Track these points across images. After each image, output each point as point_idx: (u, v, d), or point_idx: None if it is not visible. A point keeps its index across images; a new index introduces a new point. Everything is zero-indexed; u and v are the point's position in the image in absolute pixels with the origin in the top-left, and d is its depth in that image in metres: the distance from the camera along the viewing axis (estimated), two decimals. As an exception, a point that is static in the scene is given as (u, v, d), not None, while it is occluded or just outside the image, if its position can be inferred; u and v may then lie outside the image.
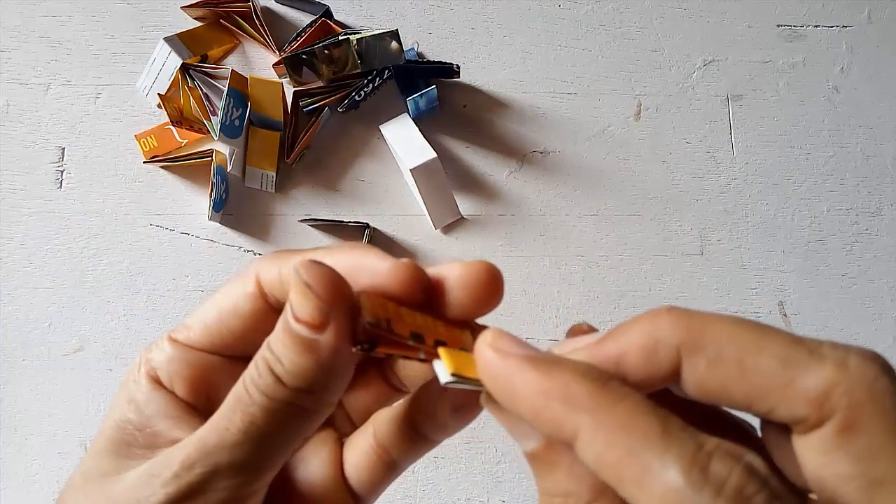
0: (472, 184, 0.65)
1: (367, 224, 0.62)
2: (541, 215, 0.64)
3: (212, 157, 0.60)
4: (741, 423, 0.20)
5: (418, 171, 0.58)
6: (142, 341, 0.60)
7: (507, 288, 0.20)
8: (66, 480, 0.20)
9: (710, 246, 0.64)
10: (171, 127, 0.62)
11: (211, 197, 0.60)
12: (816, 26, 0.70)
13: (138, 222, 0.63)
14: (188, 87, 0.62)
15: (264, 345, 0.18)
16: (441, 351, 0.18)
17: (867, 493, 0.15)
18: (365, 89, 0.63)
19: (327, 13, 0.65)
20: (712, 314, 0.17)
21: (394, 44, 0.60)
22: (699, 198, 0.65)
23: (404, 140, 0.59)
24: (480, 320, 0.20)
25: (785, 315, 0.63)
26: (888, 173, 0.67)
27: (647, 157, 0.66)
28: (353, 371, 0.19)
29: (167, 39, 0.62)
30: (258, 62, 0.67)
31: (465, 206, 0.64)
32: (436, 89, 0.61)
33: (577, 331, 0.20)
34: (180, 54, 0.62)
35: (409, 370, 0.23)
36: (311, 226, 0.63)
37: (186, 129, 0.61)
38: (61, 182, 0.63)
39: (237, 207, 0.63)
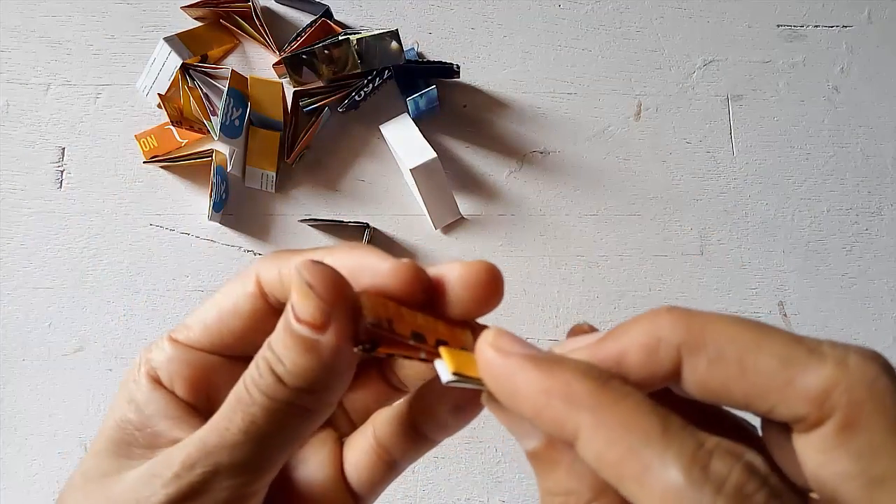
0: (472, 184, 0.65)
1: (367, 224, 0.62)
2: (541, 215, 0.64)
3: (212, 157, 0.60)
4: (741, 422, 0.20)
5: (418, 171, 0.58)
6: (142, 341, 0.60)
7: (507, 288, 0.20)
8: (66, 480, 0.20)
9: (710, 246, 0.64)
10: (171, 127, 0.62)
11: (211, 197, 0.60)
12: (816, 26, 0.70)
13: (138, 222, 0.63)
14: (188, 87, 0.62)
15: (265, 345, 0.18)
16: (442, 350, 0.18)
17: (868, 492, 0.15)
18: (365, 89, 0.63)
19: (327, 13, 0.65)
20: (713, 314, 0.17)
21: (394, 44, 0.60)
22: (699, 198, 0.65)
23: (404, 140, 0.59)
24: (481, 320, 0.20)
25: (785, 315, 0.63)
26: (888, 173, 0.67)
27: (647, 157, 0.66)
28: (354, 371, 0.19)
29: (167, 39, 0.62)
30: (258, 62, 0.67)
31: (465, 206, 0.64)
32: (436, 89, 0.61)
33: (578, 331, 0.20)
34: (180, 54, 0.62)
35: (409, 370, 0.23)
36: (311, 226, 0.63)
37: (186, 129, 0.61)
38: (61, 182, 0.63)
39: (237, 207, 0.63)
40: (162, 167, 0.63)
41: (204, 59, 0.64)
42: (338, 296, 0.17)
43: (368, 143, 0.65)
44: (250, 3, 0.63)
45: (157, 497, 0.18)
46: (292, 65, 0.60)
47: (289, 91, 0.64)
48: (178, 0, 0.64)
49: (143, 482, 0.18)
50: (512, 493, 0.58)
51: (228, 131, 0.60)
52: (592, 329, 0.20)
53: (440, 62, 0.64)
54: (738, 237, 0.65)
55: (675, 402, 0.17)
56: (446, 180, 0.60)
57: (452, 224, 0.64)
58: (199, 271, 0.62)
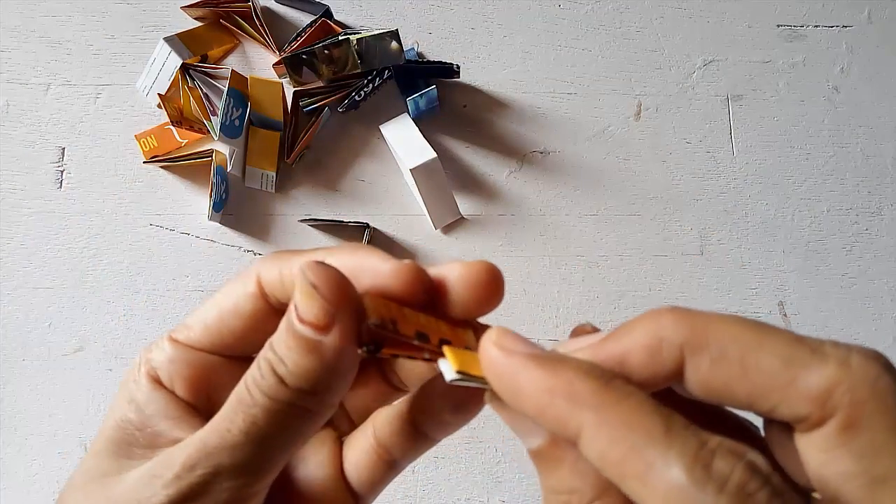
0: (472, 184, 0.65)
1: (367, 224, 0.62)
2: (541, 215, 0.64)
3: (212, 157, 0.60)
4: (744, 421, 0.20)
5: (418, 171, 0.58)
6: (142, 341, 0.60)
7: (507, 288, 0.20)
8: (66, 480, 0.20)
9: (710, 246, 0.64)
10: (171, 127, 0.62)
11: (211, 197, 0.60)
12: (816, 26, 0.70)
13: (138, 222, 0.63)
14: (188, 87, 0.62)
15: (266, 345, 0.18)
16: (446, 349, 0.18)
17: (870, 491, 0.15)
18: (365, 89, 0.63)
19: (327, 13, 0.65)
20: (715, 314, 0.17)
21: (394, 44, 0.60)
22: (699, 198, 0.65)
23: (404, 140, 0.59)
24: (482, 320, 0.20)
25: (785, 315, 0.63)
26: (888, 173, 0.67)
27: (647, 157, 0.66)
28: (356, 372, 0.19)
29: (167, 39, 0.62)
30: (258, 62, 0.67)
31: (465, 206, 0.64)
32: (436, 89, 0.61)
33: (580, 331, 0.20)
34: (180, 54, 0.62)
35: (409, 369, 0.23)
36: (311, 226, 0.63)
37: (186, 129, 0.61)
38: (61, 182, 0.63)
39: (237, 207, 0.63)
40: (162, 167, 0.63)
41: (204, 59, 0.64)
42: (342, 297, 0.17)
43: (368, 143, 0.65)
44: (250, 3, 0.63)
45: (158, 498, 0.18)
46: (292, 65, 0.60)
47: (289, 91, 0.64)
48: (178, 0, 0.64)
49: (144, 483, 0.18)
50: (512, 493, 0.58)
51: (228, 131, 0.60)
52: (595, 329, 0.20)
53: (440, 62, 0.64)
54: (738, 237, 0.65)
55: (677, 402, 0.17)
56: (446, 180, 0.60)
57: (452, 224, 0.64)
58: (199, 271, 0.62)
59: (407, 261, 0.19)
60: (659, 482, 0.14)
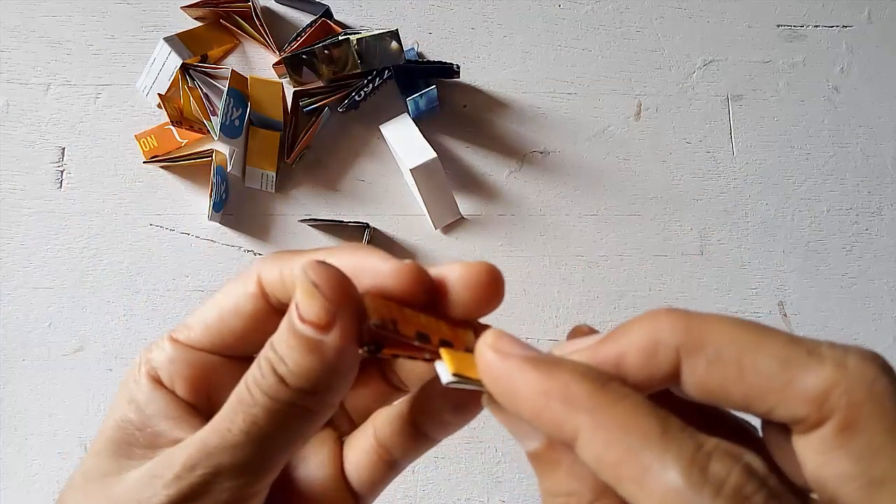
0: (472, 184, 0.65)
1: (367, 224, 0.62)
2: (541, 215, 0.64)
3: (212, 157, 0.60)
4: (742, 423, 0.20)
5: (418, 171, 0.58)
6: (142, 341, 0.60)
7: (507, 288, 0.20)
8: (66, 480, 0.20)
9: (710, 246, 0.64)
10: (171, 127, 0.62)
11: (211, 197, 0.60)
12: (816, 26, 0.70)
13: (138, 222, 0.63)
14: (188, 87, 0.62)
15: (267, 345, 0.18)
16: (443, 351, 0.18)
17: (867, 493, 0.15)
18: (365, 89, 0.63)
19: (327, 13, 0.65)
20: (711, 315, 0.17)
21: (394, 44, 0.60)
22: (699, 198, 0.65)
23: (404, 140, 0.59)
24: (482, 320, 0.20)
25: (785, 315, 0.63)
26: (888, 173, 0.67)
27: (647, 157, 0.66)
28: (357, 372, 0.19)
29: (167, 39, 0.62)
30: (258, 62, 0.67)
31: (465, 206, 0.64)
32: (436, 89, 0.61)
33: (578, 332, 0.20)
34: (180, 54, 0.62)
35: (409, 369, 0.23)
36: (311, 226, 0.63)
37: (186, 129, 0.61)
38: (61, 182, 0.63)
39: (237, 207, 0.63)
40: (162, 167, 0.63)
41: (204, 59, 0.64)
42: (344, 296, 0.17)
43: (368, 143, 0.65)
44: (250, 3, 0.63)
45: (158, 498, 0.18)
46: (292, 65, 0.60)
47: (289, 91, 0.64)
48: (178, 0, 0.64)
49: (144, 483, 0.18)
50: (512, 493, 0.58)
51: (228, 131, 0.60)
52: (592, 331, 0.20)
53: (440, 62, 0.64)
54: (738, 237, 0.65)
55: (675, 404, 0.17)
56: (446, 180, 0.60)
57: (452, 224, 0.64)
58: (199, 271, 0.62)
59: (407, 261, 0.19)
60: (655, 485, 0.14)
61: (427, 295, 0.19)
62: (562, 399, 0.16)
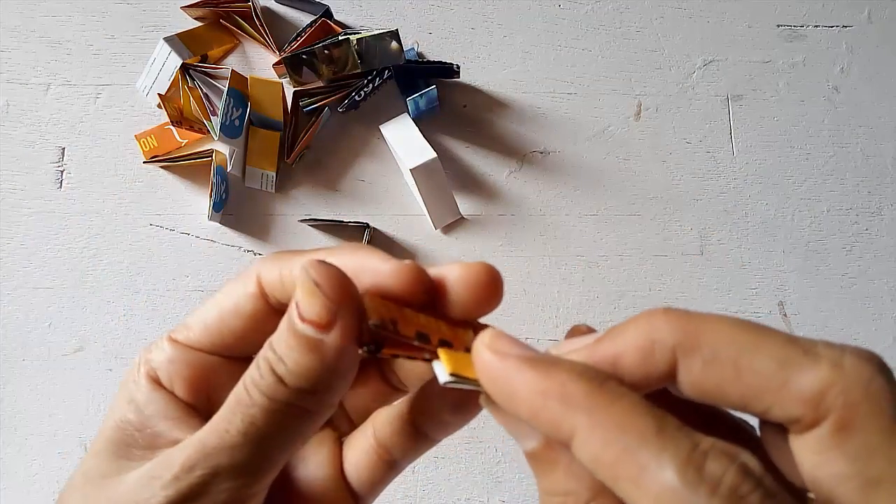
0: (472, 184, 0.65)
1: (367, 224, 0.62)
2: (541, 215, 0.64)
3: (212, 157, 0.60)
4: (740, 422, 0.20)
5: (418, 171, 0.58)
6: (142, 341, 0.61)
7: (507, 288, 0.20)
8: (66, 480, 0.20)
9: (710, 246, 0.64)
10: (171, 127, 0.62)
11: (211, 197, 0.60)
12: (816, 26, 0.70)
13: (138, 222, 0.63)
14: (188, 87, 0.62)
15: (266, 345, 0.18)
16: (440, 351, 0.18)
17: (863, 493, 0.15)
18: (365, 89, 0.63)
19: (327, 13, 0.65)
20: (708, 315, 0.17)
21: (394, 44, 0.60)
22: (699, 198, 0.65)
23: (404, 140, 0.59)
24: (482, 320, 0.20)
25: (785, 315, 0.63)
26: (888, 173, 0.67)
27: (647, 157, 0.66)
28: (356, 372, 0.19)
29: (167, 39, 0.62)
30: (258, 62, 0.67)
31: (465, 206, 0.64)
32: (436, 89, 0.61)
33: (576, 332, 0.20)
34: (180, 54, 0.62)
35: (409, 369, 0.23)
36: (311, 226, 0.63)
37: (186, 129, 0.61)
38: (61, 182, 0.63)
39: (237, 207, 0.63)
40: (162, 167, 0.63)
41: (204, 59, 0.64)
42: (344, 295, 0.17)
43: (368, 143, 0.65)
44: (250, 3, 0.63)
45: (157, 499, 0.18)
46: (292, 65, 0.60)
47: (289, 91, 0.64)
48: (178, 0, 0.65)
49: (143, 484, 0.18)
50: (512, 493, 0.58)
51: (228, 131, 0.60)
52: (590, 330, 0.20)
53: (440, 62, 0.64)
54: (738, 237, 0.65)
55: (672, 403, 0.17)
56: (446, 180, 0.60)
57: (452, 224, 0.64)
58: (199, 271, 0.62)
59: (407, 261, 0.19)
60: (652, 484, 0.14)
61: (426, 295, 0.19)
62: (559, 398, 0.16)
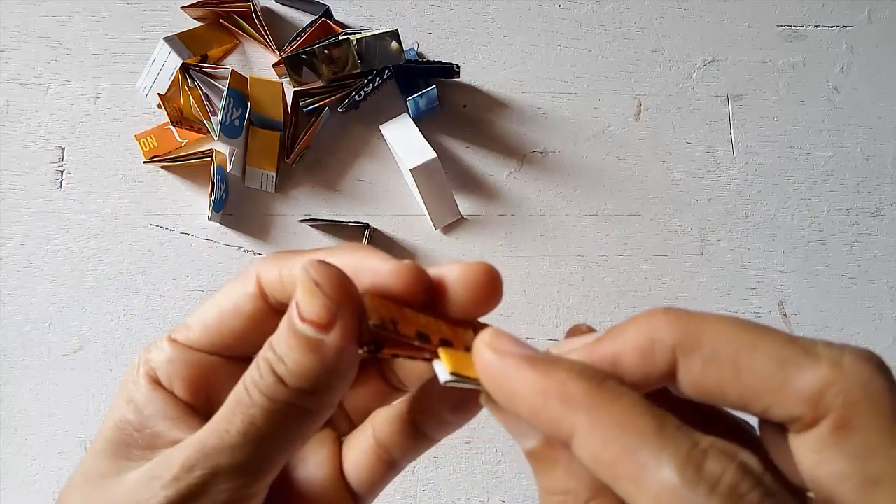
0: (472, 184, 0.65)
1: (367, 224, 0.62)
2: (541, 215, 0.64)
3: (212, 157, 0.60)
4: (740, 421, 0.20)
5: (418, 171, 0.58)
6: (142, 341, 0.61)
7: (507, 288, 0.20)
8: (66, 481, 0.20)
9: (710, 246, 0.64)
10: (171, 127, 0.62)
11: (211, 197, 0.60)
12: (816, 26, 0.70)
13: (138, 222, 0.63)
14: (188, 87, 0.62)
15: (266, 345, 0.18)
16: (441, 351, 0.18)
17: (863, 492, 0.15)
18: (365, 89, 0.63)
19: (327, 13, 0.65)
20: (708, 314, 0.17)
21: (394, 44, 0.60)
22: (699, 198, 0.65)
23: (404, 140, 0.59)
24: (483, 319, 0.20)
25: (785, 315, 0.63)
26: (888, 173, 0.67)
27: (647, 157, 0.66)
28: (356, 372, 0.19)
29: (167, 39, 0.62)
30: (258, 62, 0.67)
31: (465, 206, 0.64)
32: (436, 89, 0.61)
33: (576, 332, 0.20)
34: (180, 54, 0.62)
35: (409, 369, 0.23)
36: (311, 226, 0.63)
37: (186, 129, 0.61)
38: (61, 182, 0.63)
39: (237, 207, 0.63)
40: (162, 167, 0.63)
41: (204, 59, 0.64)
42: (345, 295, 0.17)
43: (368, 143, 0.65)
44: (250, 3, 0.63)
45: (157, 499, 0.18)
46: (292, 65, 0.60)
47: (289, 91, 0.64)
48: (178, 0, 0.65)
49: (143, 484, 0.18)
50: (512, 493, 0.58)
51: (228, 131, 0.60)
52: (591, 330, 0.20)
53: (440, 62, 0.64)
54: (738, 237, 0.65)
55: (671, 402, 0.18)
56: (446, 180, 0.60)
57: (452, 224, 0.64)
58: (199, 271, 0.62)
59: (407, 261, 0.19)
60: (651, 483, 0.14)
61: (426, 295, 0.19)
62: (559, 398, 0.16)
